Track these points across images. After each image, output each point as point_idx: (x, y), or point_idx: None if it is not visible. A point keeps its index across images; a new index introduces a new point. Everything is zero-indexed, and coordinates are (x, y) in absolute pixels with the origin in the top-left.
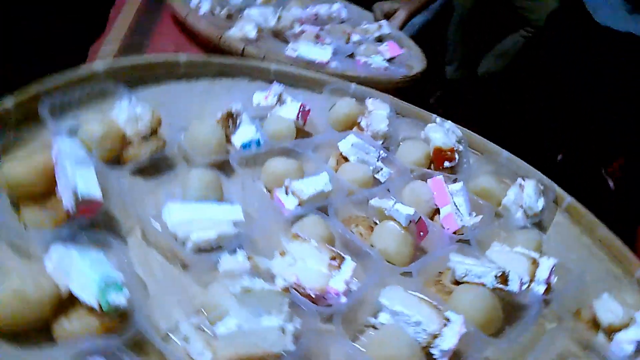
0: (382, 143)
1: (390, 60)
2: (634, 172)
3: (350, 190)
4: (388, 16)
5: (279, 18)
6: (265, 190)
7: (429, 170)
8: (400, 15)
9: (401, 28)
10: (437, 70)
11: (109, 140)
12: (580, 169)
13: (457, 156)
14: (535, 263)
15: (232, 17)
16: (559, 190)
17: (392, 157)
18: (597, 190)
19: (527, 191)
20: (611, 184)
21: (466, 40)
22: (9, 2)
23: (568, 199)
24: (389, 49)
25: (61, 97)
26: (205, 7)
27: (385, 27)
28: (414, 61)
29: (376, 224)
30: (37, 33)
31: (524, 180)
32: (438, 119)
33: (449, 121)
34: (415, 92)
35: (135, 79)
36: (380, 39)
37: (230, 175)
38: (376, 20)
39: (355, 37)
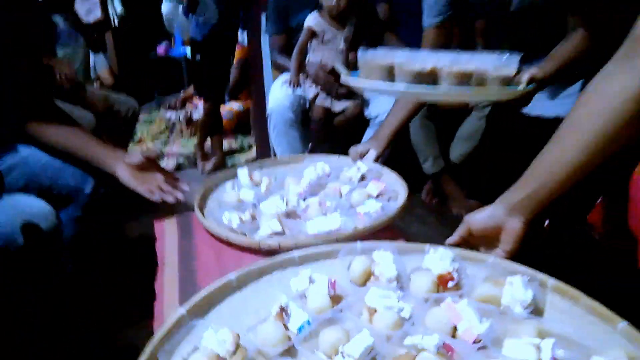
0: (397, 283)
1: (378, 195)
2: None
3: (388, 335)
4: (362, 156)
5: (287, 202)
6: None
7: (439, 295)
8: (372, 154)
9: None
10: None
11: None
12: (568, 228)
13: (455, 274)
14: (538, 348)
15: (255, 217)
16: (541, 275)
17: (408, 293)
18: (585, 244)
19: (516, 287)
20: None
21: (430, 138)
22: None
23: (551, 281)
24: (375, 186)
25: (168, 347)
26: (235, 220)
27: (362, 166)
28: (397, 187)
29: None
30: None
31: (512, 277)
32: (431, 250)
33: (440, 247)
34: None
35: (204, 307)
36: (363, 178)
37: (298, 358)
38: (353, 161)
39: (344, 189)
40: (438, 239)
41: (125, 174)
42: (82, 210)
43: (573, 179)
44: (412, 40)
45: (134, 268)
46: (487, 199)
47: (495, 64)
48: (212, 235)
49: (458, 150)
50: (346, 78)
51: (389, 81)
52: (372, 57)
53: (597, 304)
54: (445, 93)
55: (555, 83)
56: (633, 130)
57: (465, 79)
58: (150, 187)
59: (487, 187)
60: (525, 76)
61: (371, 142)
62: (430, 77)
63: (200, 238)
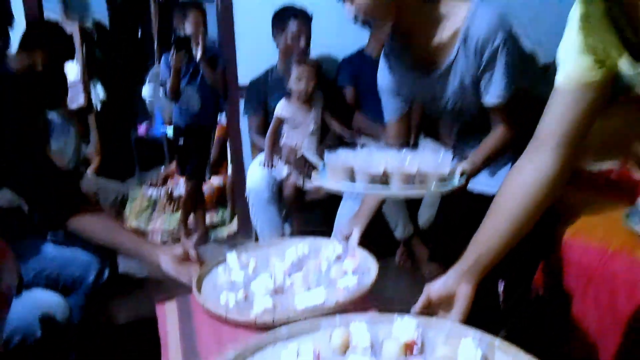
0: (371, 350)
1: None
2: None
3: None
4: (347, 237)
5: (275, 280)
6: None
7: (406, 358)
8: (356, 234)
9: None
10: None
11: None
12: (518, 289)
13: (418, 340)
14: None
15: (247, 296)
16: (488, 337)
17: (381, 358)
18: (531, 302)
19: (469, 347)
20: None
21: (399, 207)
22: None
23: (497, 342)
24: (350, 262)
25: None
26: (232, 301)
27: (337, 247)
28: (369, 263)
29: None
30: None
31: (465, 339)
32: (398, 319)
33: (405, 316)
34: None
35: None
36: (338, 257)
37: None
38: (339, 242)
39: (324, 266)
40: (411, 301)
41: (168, 264)
42: (85, 299)
43: (508, 246)
44: (378, 116)
45: (138, 346)
46: (450, 261)
47: (433, 164)
48: (212, 315)
49: (425, 216)
50: (315, 178)
51: (351, 181)
52: (335, 160)
53: (532, 357)
54: (395, 192)
55: (486, 168)
56: (543, 208)
57: (410, 178)
58: (192, 275)
59: (448, 250)
60: (458, 171)
61: (353, 221)
62: (383, 178)
63: (199, 318)
